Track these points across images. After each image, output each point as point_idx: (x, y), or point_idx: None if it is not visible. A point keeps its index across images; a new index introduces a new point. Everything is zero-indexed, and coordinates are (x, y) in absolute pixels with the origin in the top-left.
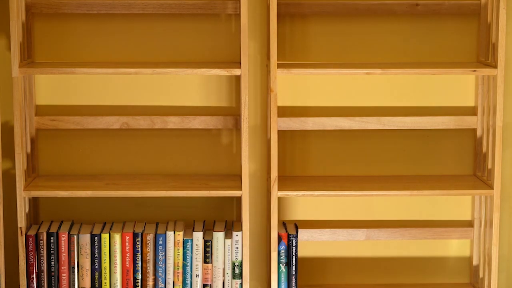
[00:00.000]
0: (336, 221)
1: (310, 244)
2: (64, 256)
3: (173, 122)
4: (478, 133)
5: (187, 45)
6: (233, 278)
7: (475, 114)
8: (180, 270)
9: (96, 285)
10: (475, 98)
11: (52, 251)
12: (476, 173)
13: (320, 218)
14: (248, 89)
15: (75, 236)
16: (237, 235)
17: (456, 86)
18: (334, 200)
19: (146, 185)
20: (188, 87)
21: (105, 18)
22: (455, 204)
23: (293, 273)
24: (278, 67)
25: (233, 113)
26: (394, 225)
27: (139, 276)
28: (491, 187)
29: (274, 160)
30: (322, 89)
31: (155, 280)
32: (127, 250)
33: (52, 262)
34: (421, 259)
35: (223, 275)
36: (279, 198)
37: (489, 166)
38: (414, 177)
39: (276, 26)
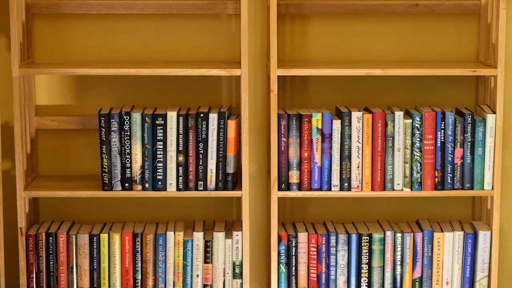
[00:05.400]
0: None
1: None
2: (62, 256)
3: None
4: None
5: (187, 45)
6: (233, 278)
7: None
8: (181, 270)
9: (95, 286)
10: (475, 98)
11: (51, 251)
12: None
13: (319, 218)
14: (248, 89)
15: (73, 236)
16: (237, 235)
17: (456, 86)
18: (333, 201)
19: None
20: (188, 87)
21: (105, 18)
22: (455, 204)
23: (293, 273)
24: (278, 67)
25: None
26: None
27: (138, 277)
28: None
29: (274, 160)
30: (322, 89)
31: (155, 281)
32: (127, 251)
33: (51, 262)
34: None
35: (224, 275)
36: (279, 198)
37: None
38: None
39: (276, 26)
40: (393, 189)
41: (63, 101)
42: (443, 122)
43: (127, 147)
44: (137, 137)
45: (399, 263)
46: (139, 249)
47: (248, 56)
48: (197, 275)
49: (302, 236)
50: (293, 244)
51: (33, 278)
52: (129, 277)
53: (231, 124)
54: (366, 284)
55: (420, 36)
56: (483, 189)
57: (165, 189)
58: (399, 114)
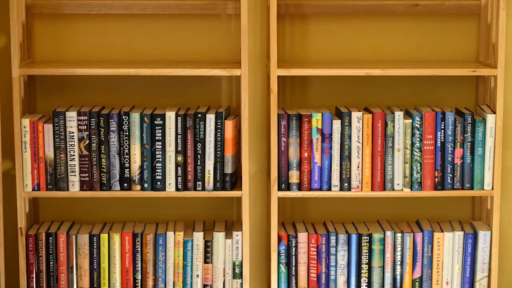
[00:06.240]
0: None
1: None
2: (62, 256)
3: None
4: None
5: (187, 45)
6: (233, 278)
7: None
8: (181, 271)
9: (95, 286)
10: (475, 98)
11: (50, 251)
12: None
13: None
14: (248, 89)
15: (73, 236)
16: (237, 235)
17: (456, 86)
18: (333, 201)
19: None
20: (188, 88)
21: (105, 18)
22: (455, 204)
23: (293, 273)
24: (278, 67)
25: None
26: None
27: (138, 277)
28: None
29: (274, 160)
30: (321, 89)
31: (155, 281)
32: (127, 251)
33: (51, 262)
34: None
35: (224, 275)
36: (279, 198)
37: None
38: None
39: (276, 26)
40: (393, 189)
41: (62, 101)
42: (443, 122)
43: (126, 147)
44: (136, 137)
45: (399, 263)
46: (139, 249)
47: (248, 56)
48: (197, 275)
49: (302, 236)
50: (293, 244)
51: (33, 278)
52: (129, 277)
53: (228, 125)
54: (366, 284)
55: (420, 36)
56: (483, 189)
57: (164, 189)
58: (399, 114)
